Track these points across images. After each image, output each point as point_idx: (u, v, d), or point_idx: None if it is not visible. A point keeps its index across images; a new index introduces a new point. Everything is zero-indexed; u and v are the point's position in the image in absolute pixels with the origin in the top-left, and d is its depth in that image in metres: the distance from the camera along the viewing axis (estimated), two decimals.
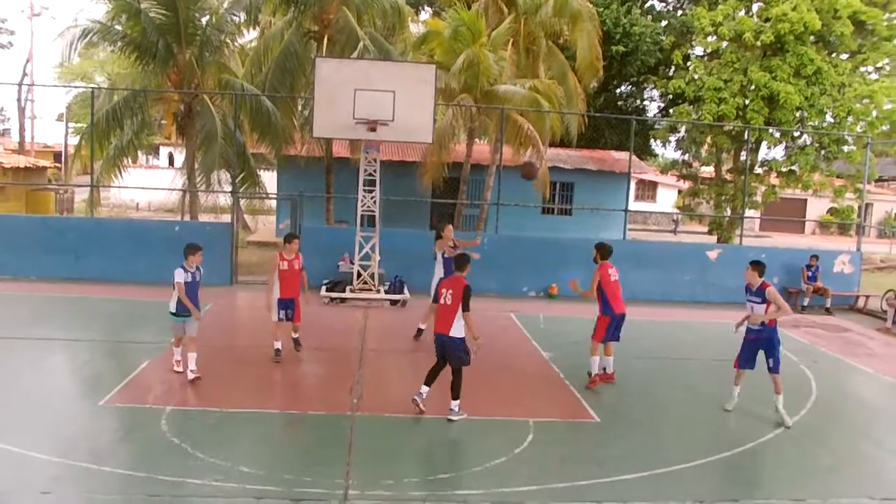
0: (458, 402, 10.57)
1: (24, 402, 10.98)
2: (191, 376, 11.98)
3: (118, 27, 24.55)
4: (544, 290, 22.16)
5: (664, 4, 46.73)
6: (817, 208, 57.38)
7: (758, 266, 12.28)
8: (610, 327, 13.36)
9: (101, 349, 14.48)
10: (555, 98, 25.64)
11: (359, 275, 19.98)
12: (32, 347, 14.12)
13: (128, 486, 8.44)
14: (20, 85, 55.93)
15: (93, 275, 20.18)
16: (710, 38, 32.32)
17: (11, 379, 12.13)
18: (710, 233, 35.31)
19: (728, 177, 33.78)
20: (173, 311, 12.20)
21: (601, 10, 35.97)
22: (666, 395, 13.17)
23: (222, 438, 9.85)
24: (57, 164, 50.28)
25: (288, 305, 13.78)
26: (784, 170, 32.54)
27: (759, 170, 32.88)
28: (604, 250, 13.79)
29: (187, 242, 12.41)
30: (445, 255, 15.38)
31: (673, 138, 36.59)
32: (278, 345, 13.72)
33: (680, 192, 46.89)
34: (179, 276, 11.99)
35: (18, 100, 59.11)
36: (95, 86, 43.50)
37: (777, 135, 31.72)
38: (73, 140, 45.01)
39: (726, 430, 11.22)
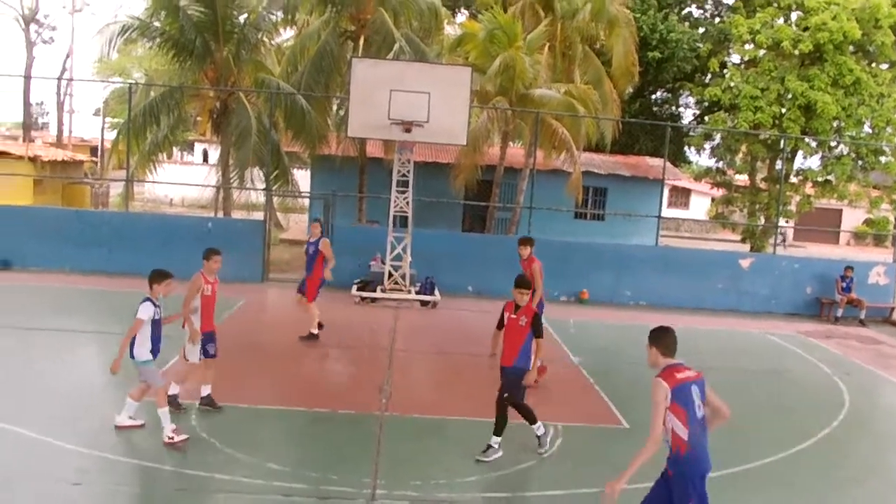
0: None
1: (55, 392, 11.08)
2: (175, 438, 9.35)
3: (157, 24, 24.77)
4: (575, 294, 22.06)
5: (702, 11, 46.44)
6: (853, 219, 56.77)
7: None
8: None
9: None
10: (590, 103, 25.56)
11: (390, 275, 19.99)
12: (64, 339, 14.26)
13: (156, 479, 8.50)
14: (59, 79, 56.51)
15: (125, 268, 20.30)
16: (747, 46, 32.03)
17: (42, 370, 12.25)
18: (742, 241, 35.03)
19: (762, 185, 33.49)
20: (145, 358, 9.56)
21: (638, 15, 35.80)
22: None
23: (251, 434, 9.88)
24: (93, 159, 50.81)
25: (212, 339, 10.58)
26: (820, 179, 32.22)
27: (794, 179, 32.58)
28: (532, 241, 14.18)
29: (154, 268, 10.03)
30: None
31: (707, 146, 36.33)
32: (176, 390, 10.60)
33: (713, 199, 46.55)
34: (146, 313, 9.52)
35: (58, 94, 59.83)
36: (133, 81, 43.85)
37: (813, 144, 31.41)
38: (110, 135, 45.42)
39: (754, 440, 11.06)
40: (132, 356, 9.51)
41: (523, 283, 9.71)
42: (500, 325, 9.70)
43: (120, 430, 9.59)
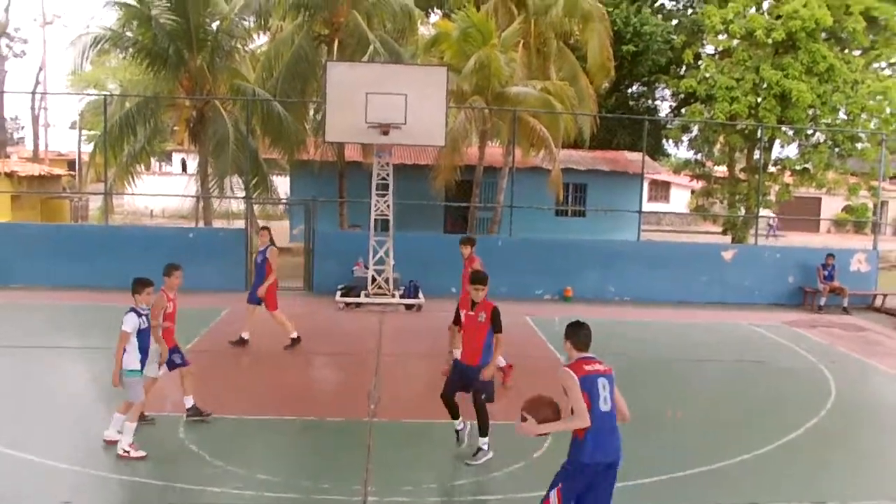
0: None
1: (42, 411, 11.00)
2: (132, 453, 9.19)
3: (129, 34, 24.74)
4: (559, 292, 22.08)
5: (674, 3, 46.58)
6: (832, 207, 57.09)
7: None
8: None
9: None
10: (567, 99, 25.57)
11: (373, 279, 19.95)
12: (49, 356, 14.20)
13: (147, 494, 8.45)
14: (33, 93, 56.16)
15: (108, 282, 20.13)
16: (721, 37, 32.18)
17: (28, 388, 12.16)
18: (724, 233, 35.16)
19: (742, 176, 33.66)
20: (133, 367, 9.33)
21: (611, 9, 35.85)
22: (683, 398, 13.09)
23: (240, 446, 9.84)
24: (71, 172, 50.50)
25: (176, 350, 10.54)
26: (798, 168, 32.41)
27: (772, 168, 32.77)
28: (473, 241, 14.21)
29: (135, 277, 9.84)
30: None
31: (685, 138, 36.48)
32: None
33: (693, 192, 46.74)
34: (130, 324, 9.34)
35: (32, 108, 59.46)
36: (108, 93, 43.62)
37: (790, 133, 31.62)
38: (87, 148, 45.14)
39: (746, 433, 11.08)
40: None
41: (478, 278, 9.61)
42: (457, 322, 9.71)
43: (109, 444, 9.45)
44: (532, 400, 7.10)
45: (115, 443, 9.41)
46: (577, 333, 7.13)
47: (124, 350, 9.28)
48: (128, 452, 9.12)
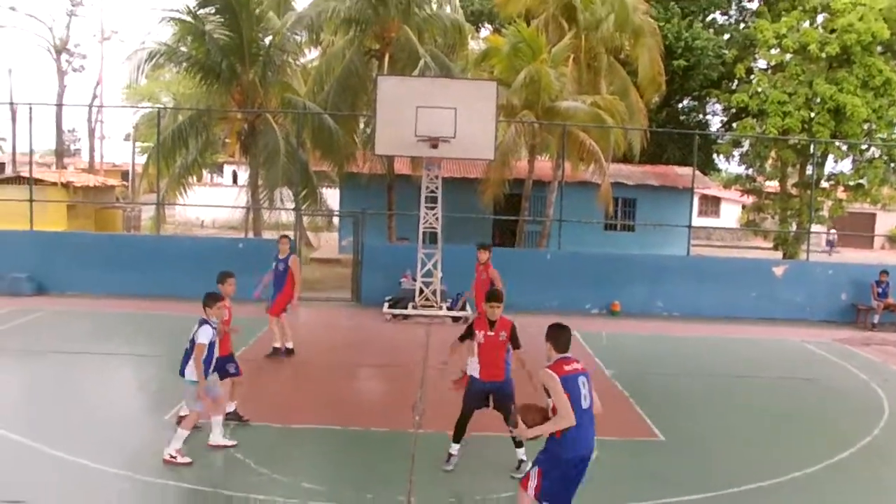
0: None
1: (93, 415, 11.19)
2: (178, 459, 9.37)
3: (183, 49, 25.06)
4: (607, 306, 21.96)
5: (726, 17, 46.20)
6: (887, 223, 56.21)
7: None
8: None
9: (166, 364, 14.60)
10: (617, 113, 25.45)
11: (421, 291, 19.99)
12: (100, 362, 14.43)
13: (193, 501, 8.56)
14: (90, 106, 57.25)
15: (158, 291, 20.46)
16: (773, 51, 31.83)
17: (80, 393, 12.38)
18: (775, 248, 34.74)
19: (793, 191, 33.20)
20: (196, 378, 9.47)
21: (662, 24, 35.67)
22: (731, 414, 12.95)
23: (285, 454, 9.92)
24: (124, 183, 51.38)
25: (231, 360, 10.71)
26: (851, 183, 31.92)
27: (825, 184, 32.26)
28: (489, 247, 15.03)
29: (207, 292, 10.05)
30: None
31: (736, 153, 36.05)
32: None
33: (744, 207, 46.23)
34: (206, 336, 9.53)
35: (89, 121, 60.68)
36: (161, 106, 44.32)
37: (844, 148, 31.11)
38: (141, 159, 45.92)
39: (793, 450, 10.94)
40: (182, 374, 9.58)
41: (495, 296, 9.61)
42: (463, 338, 9.75)
43: (216, 448, 9.81)
44: (522, 407, 7.39)
45: (221, 447, 9.72)
46: (559, 336, 7.39)
47: (190, 359, 9.51)
48: (174, 458, 9.27)
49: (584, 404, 7.05)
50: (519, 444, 9.49)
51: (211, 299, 9.81)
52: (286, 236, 15.72)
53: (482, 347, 9.50)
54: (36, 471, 9.14)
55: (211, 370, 9.80)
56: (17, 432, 10.10)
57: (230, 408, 10.65)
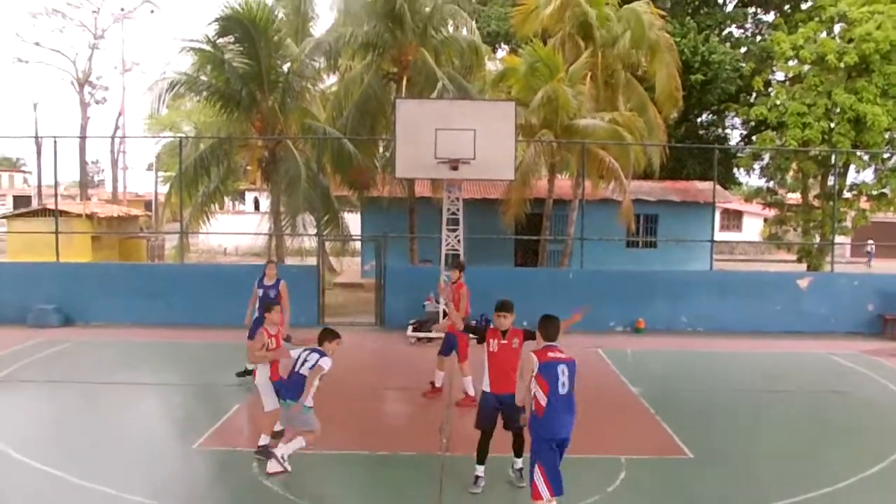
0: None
1: (120, 444, 11.26)
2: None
3: (203, 78, 25.33)
4: (631, 324, 21.89)
5: (742, 31, 46.24)
6: None
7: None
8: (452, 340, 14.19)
9: (192, 393, 14.79)
10: (636, 130, 25.44)
11: (444, 314, 19.99)
12: (126, 391, 14.52)
13: None
14: (113, 138, 57.79)
15: (183, 319, 20.60)
16: (791, 63, 31.74)
17: (107, 422, 12.48)
18: (798, 261, 34.51)
19: (815, 203, 33.01)
20: (311, 404, 9.89)
21: (679, 39, 35.69)
22: (759, 429, 12.86)
23: (311, 480, 9.95)
24: (148, 213, 51.65)
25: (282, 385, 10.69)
26: (874, 193, 31.71)
27: (847, 194, 32.06)
28: (463, 266, 15.33)
29: (326, 328, 10.48)
30: None
31: (757, 166, 35.90)
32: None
33: (766, 220, 45.99)
34: (328, 364, 9.93)
35: (112, 152, 61.19)
36: (183, 135, 44.64)
37: (866, 157, 30.93)
38: (163, 188, 46.25)
39: (824, 464, 10.85)
40: (294, 398, 9.73)
41: (506, 306, 9.85)
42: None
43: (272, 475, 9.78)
44: None
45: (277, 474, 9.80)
46: (548, 326, 8.24)
47: (303, 386, 9.77)
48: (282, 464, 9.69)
49: (562, 391, 7.87)
50: (518, 454, 9.65)
51: (331, 335, 10.21)
52: (273, 261, 16.05)
53: (494, 357, 9.59)
54: (62, 501, 9.21)
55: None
56: (44, 462, 10.21)
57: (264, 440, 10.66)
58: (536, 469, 7.88)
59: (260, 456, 10.47)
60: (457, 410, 13.31)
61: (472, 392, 13.53)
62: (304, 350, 10.03)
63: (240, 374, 15.07)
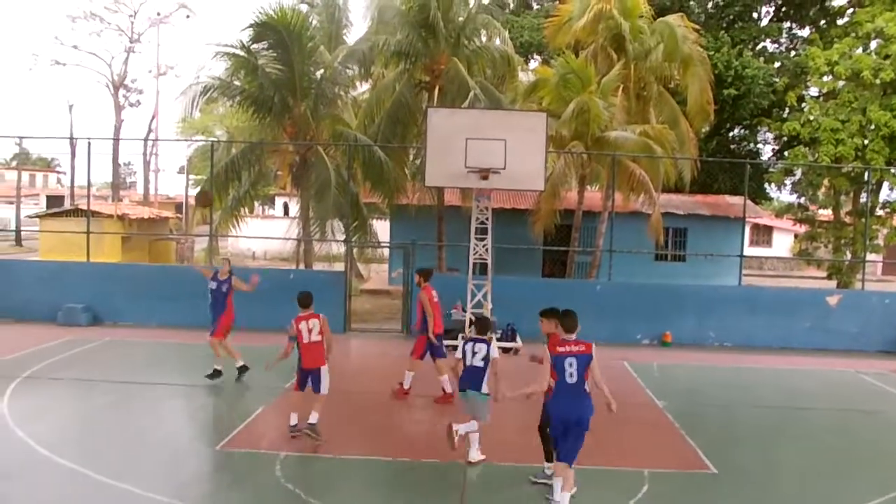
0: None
1: (145, 444, 11.38)
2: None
3: (237, 83, 25.47)
4: (658, 337, 21.79)
5: (776, 46, 45.94)
6: None
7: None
8: (428, 345, 14.75)
9: (217, 395, 14.88)
10: (666, 143, 25.34)
11: (471, 322, 19.98)
12: (152, 392, 14.68)
13: None
14: (146, 140, 58.35)
15: (210, 322, 20.71)
16: (825, 78, 31.51)
17: (132, 422, 12.59)
18: (829, 278, 34.22)
19: (847, 219, 32.75)
20: (487, 391, 10.83)
21: (712, 53, 35.51)
22: (785, 446, 12.77)
23: (335, 485, 9.98)
24: (178, 215, 52.08)
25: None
26: None
27: (880, 211, 31.78)
28: (428, 273, 15.57)
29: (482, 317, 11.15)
30: None
31: (788, 181, 35.68)
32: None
33: (796, 236, 45.64)
34: (496, 352, 11.00)
35: (144, 154, 61.86)
36: (215, 139, 45.00)
37: None
38: (194, 192, 46.58)
39: (851, 484, 10.74)
40: (476, 388, 10.77)
41: (543, 311, 10.22)
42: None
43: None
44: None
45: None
46: (565, 320, 9.16)
47: (484, 376, 10.80)
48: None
49: (570, 380, 8.84)
50: (549, 458, 9.88)
51: (488, 325, 11.64)
52: (228, 259, 16.59)
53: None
54: (88, 498, 9.31)
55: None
56: (71, 460, 10.35)
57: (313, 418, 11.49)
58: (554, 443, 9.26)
59: (309, 432, 11.35)
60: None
61: (448, 389, 14.25)
62: (467, 342, 10.92)
63: (209, 377, 15.43)
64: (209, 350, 15.64)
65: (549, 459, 9.90)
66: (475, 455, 10.80)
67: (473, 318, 11.37)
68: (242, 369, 15.52)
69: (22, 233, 49.76)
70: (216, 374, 15.37)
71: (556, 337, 9.39)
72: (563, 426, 8.95)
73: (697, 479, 10.79)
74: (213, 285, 15.55)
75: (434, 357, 14.85)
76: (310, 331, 11.73)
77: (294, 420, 11.75)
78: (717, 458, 11.48)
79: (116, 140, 55.55)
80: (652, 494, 9.88)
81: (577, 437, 8.90)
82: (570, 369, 8.83)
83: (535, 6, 46.73)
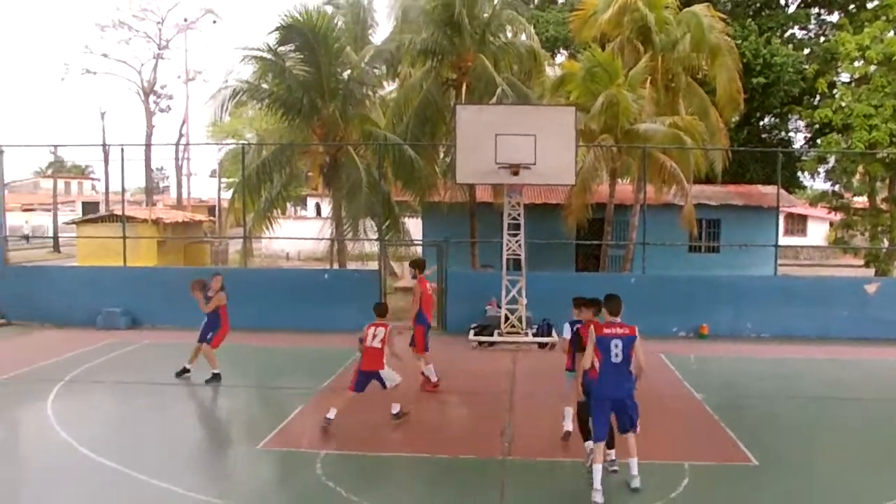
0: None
1: (186, 445, 11.55)
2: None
3: (265, 86, 25.63)
4: (695, 329, 21.68)
5: (805, 32, 45.54)
6: None
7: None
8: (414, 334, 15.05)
9: (256, 395, 15.06)
10: (697, 134, 25.18)
11: (506, 318, 20.02)
12: (192, 392, 14.83)
13: None
14: (177, 145, 58.90)
15: (246, 323, 20.75)
16: (857, 63, 31.13)
17: (173, 423, 12.76)
18: (866, 265, 33.86)
19: (883, 206, 32.37)
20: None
21: (740, 42, 35.26)
22: (826, 437, 12.68)
23: (376, 483, 10.06)
24: (211, 218, 52.47)
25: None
26: None
27: None
28: (422, 265, 15.81)
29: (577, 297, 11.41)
30: None
31: (822, 169, 35.36)
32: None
33: (831, 224, 45.22)
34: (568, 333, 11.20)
35: (176, 159, 62.47)
36: (245, 142, 45.25)
37: None
38: (226, 194, 46.94)
39: (893, 476, 10.65)
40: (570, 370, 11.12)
41: (574, 300, 11.12)
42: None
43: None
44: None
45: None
46: (610, 304, 9.83)
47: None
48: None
49: (615, 360, 9.46)
50: (610, 446, 10.09)
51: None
52: (219, 274, 16.81)
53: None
54: (131, 498, 9.45)
55: None
56: (114, 460, 10.50)
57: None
58: (591, 420, 9.82)
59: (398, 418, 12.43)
60: (518, 415, 13.33)
61: (434, 379, 14.55)
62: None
63: (178, 374, 15.74)
64: (243, 351, 15.86)
65: (610, 446, 10.05)
66: (568, 424, 11.44)
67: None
68: (184, 371, 15.74)
69: (59, 239, 50.28)
70: (184, 371, 15.77)
71: (594, 324, 9.98)
72: (609, 403, 9.52)
73: (738, 471, 10.73)
74: (205, 301, 15.75)
75: (410, 344, 15.17)
76: (374, 337, 12.60)
77: (332, 414, 11.97)
78: (758, 449, 11.41)
79: (148, 146, 56.33)
80: (692, 487, 9.86)
81: (625, 410, 9.59)
82: (616, 350, 9.46)
83: (560, 0, 46.58)
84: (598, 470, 9.29)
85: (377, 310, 13.35)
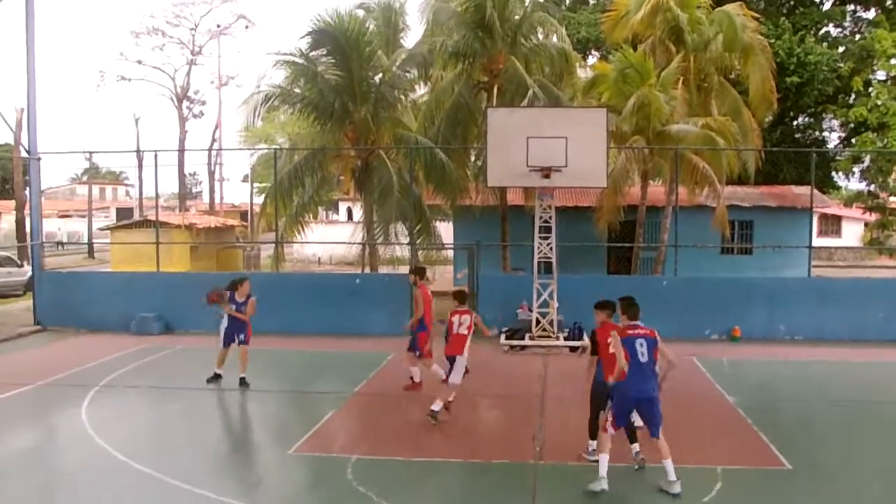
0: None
1: (218, 450, 11.63)
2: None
3: (297, 90, 25.77)
4: (727, 332, 21.50)
5: (840, 30, 45.10)
6: None
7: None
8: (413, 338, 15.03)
9: (287, 399, 15.11)
10: (729, 134, 24.96)
11: (538, 322, 19.98)
12: (224, 397, 14.90)
13: None
14: (210, 150, 59.32)
15: (278, 328, 20.87)
16: (893, 61, 30.82)
17: (205, 428, 12.85)
18: None
19: None
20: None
21: (773, 41, 34.96)
22: (862, 441, 12.49)
23: (407, 488, 10.04)
24: (244, 223, 52.81)
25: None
26: None
27: None
28: (423, 272, 15.95)
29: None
30: None
31: (856, 169, 35.05)
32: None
33: (867, 224, 44.77)
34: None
35: (209, 164, 62.96)
36: (277, 147, 45.50)
37: None
38: (258, 199, 47.26)
39: None
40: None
41: (596, 303, 10.86)
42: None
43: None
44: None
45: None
46: (629, 309, 10.10)
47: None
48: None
49: (642, 360, 9.69)
50: (633, 440, 10.56)
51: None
52: (247, 278, 16.58)
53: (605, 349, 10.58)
54: (163, 502, 9.55)
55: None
56: (147, 464, 10.57)
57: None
58: (610, 414, 10.00)
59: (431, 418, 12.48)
60: (550, 419, 13.29)
61: (442, 376, 14.09)
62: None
63: (210, 380, 15.70)
64: (274, 356, 15.91)
65: (632, 440, 10.51)
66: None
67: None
68: (216, 377, 15.70)
69: (94, 245, 50.83)
70: (217, 377, 15.75)
71: (609, 325, 10.47)
72: (634, 403, 9.84)
73: (771, 475, 10.62)
74: (233, 307, 15.70)
75: (410, 348, 15.04)
76: (460, 324, 13.14)
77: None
78: (792, 453, 11.27)
79: (182, 151, 56.74)
80: (725, 492, 9.77)
81: (652, 411, 9.79)
82: (642, 349, 9.72)
83: (592, 1, 46.47)
84: (604, 460, 9.76)
85: (458, 297, 13.82)
